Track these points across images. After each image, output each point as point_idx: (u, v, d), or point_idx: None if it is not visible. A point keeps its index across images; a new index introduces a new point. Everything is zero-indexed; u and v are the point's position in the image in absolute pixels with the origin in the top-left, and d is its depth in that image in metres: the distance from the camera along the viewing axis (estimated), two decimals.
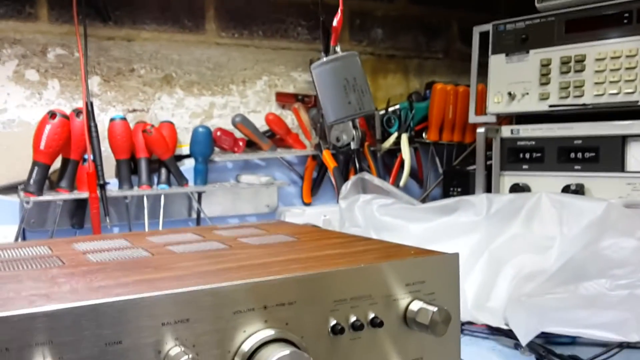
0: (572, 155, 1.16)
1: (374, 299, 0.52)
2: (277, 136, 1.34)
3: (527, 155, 1.22)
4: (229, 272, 0.51)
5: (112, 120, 1.13)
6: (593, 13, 1.13)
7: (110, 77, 1.20)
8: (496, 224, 0.96)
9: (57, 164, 1.08)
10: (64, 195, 1.08)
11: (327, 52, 1.15)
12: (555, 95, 1.17)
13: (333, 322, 0.50)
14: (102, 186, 1.09)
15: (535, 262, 0.90)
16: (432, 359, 0.55)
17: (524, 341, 0.73)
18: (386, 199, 1.11)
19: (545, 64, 1.18)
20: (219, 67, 1.32)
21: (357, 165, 1.35)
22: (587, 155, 1.14)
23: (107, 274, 0.51)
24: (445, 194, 1.40)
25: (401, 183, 1.36)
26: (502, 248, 0.93)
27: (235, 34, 1.34)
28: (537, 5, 1.20)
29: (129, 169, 1.14)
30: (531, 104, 1.21)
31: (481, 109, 1.33)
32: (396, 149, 1.42)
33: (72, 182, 1.09)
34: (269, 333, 0.46)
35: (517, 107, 1.23)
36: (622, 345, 0.73)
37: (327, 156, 1.33)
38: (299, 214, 1.31)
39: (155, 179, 1.19)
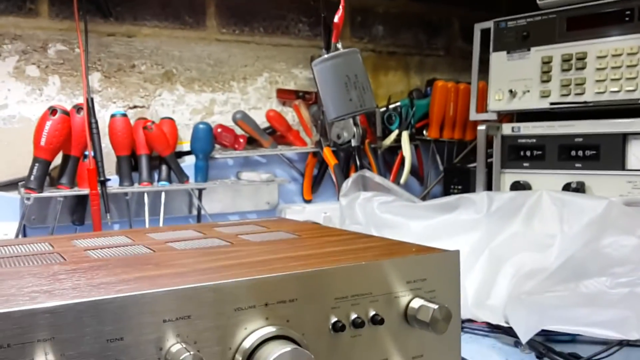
0: (573, 153, 1.16)
1: (375, 296, 0.52)
2: (277, 133, 1.34)
3: (528, 153, 1.22)
4: (230, 269, 0.51)
5: (112, 116, 1.13)
6: (594, 11, 1.12)
7: (110, 73, 1.20)
8: (497, 222, 0.96)
9: (57, 160, 1.08)
10: (65, 192, 1.08)
11: (328, 49, 1.15)
12: (556, 92, 1.17)
13: (334, 319, 0.50)
14: (103, 183, 1.09)
15: (535, 260, 0.90)
16: (433, 357, 0.55)
17: (524, 339, 0.73)
18: (387, 196, 1.11)
19: (547, 62, 1.18)
20: (219, 64, 1.32)
21: (358, 162, 1.35)
22: (587, 153, 1.14)
23: (109, 271, 0.51)
24: (446, 192, 1.40)
25: (402, 180, 1.36)
26: (503, 246, 0.93)
27: (236, 30, 1.34)
28: (538, 2, 1.20)
29: (129, 165, 1.14)
30: (532, 102, 1.20)
31: (482, 107, 1.33)
32: (397, 146, 1.42)
33: (72, 178, 1.09)
34: (270, 330, 0.46)
35: (518, 104, 1.23)
36: (622, 343, 0.73)
37: (327, 153, 1.33)
38: (299, 211, 1.31)
39: (156, 176, 1.19)
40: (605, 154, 1.11)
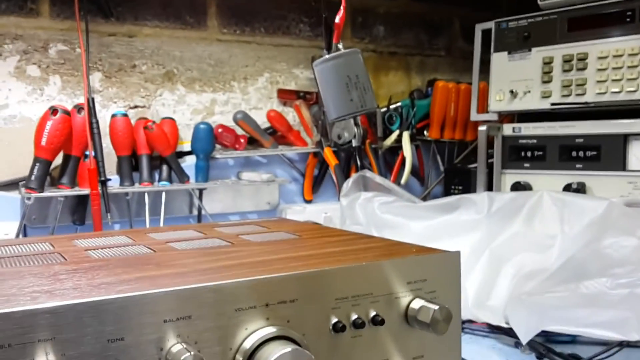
0: (574, 153, 1.16)
1: (375, 296, 0.52)
2: (278, 133, 1.34)
3: (529, 154, 1.22)
4: (230, 270, 0.51)
5: (113, 116, 1.13)
6: (595, 11, 1.12)
7: (111, 73, 1.20)
8: (497, 223, 0.96)
9: (58, 160, 1.09)
10: (65, 192, 1.08)
11: (329, 49, 1.15)
12: (557, 93, 1.17)
13: (334, 319, 0.50)
14: (104, 182, 1.09)
15: (536, 260, 0.90)
16: (433, 357, 0.55)
17: (524, 340, 0.73)
18: (387, 196, 1.11)
19: (548, 62, 1.18)
20: (220, 64, 1.32)
21: (359, 162, 1.35)
22: (588, 153, 1.14)
23: (109, 271, 0.51)
24: (447, 192, 1.40)
25: (402, 181, 1.36)
26: (503, 246, 0.93)
27: (237, 30, 1.34)
28: (539, 3, 1.20)
29: (130, 165, 1.14)
30: (533, 102, 1.20)
31: (483, 107, 1.33)
32: (397, 146, 1.42)
33: (73, 178, 1.09)
34: (270, 330, 0.46)
35: (519, 105, 1.23)
36: (622, 344, 0.73)
37: (328, 153, 1.33)
38: (300, 212, 1.31)
39: (157, 176, 1.19)
40: (606, 154, 1.11)
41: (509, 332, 0.79)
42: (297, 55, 1.41)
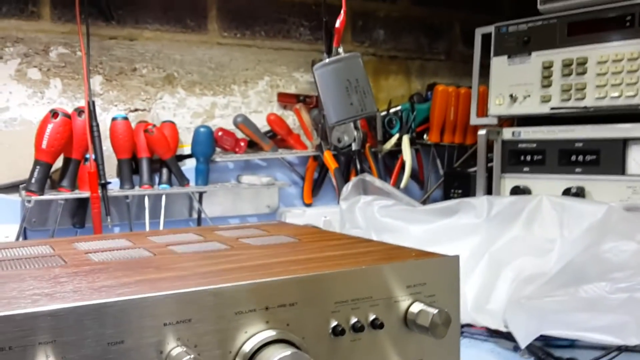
0: (573, 158, 1.16)
1: (375, 300, 0.52)
2: (278, 137, 1.34)
3: (528, 158, 1.22)
4: (230, 273, 0.51)
5: (113, 119, 1.13)
6: (595, 16, 1.13)
7: (112, 76, 1.21)
8: (496, 227, 0.96)
9: (58, 163, 1.09)
10: (66, 195, 1.08)
11: (329, 53, 1.15)
12: (557, 97, 1.17)
13: (334, 323, 0.50)
14: (104, 186, 1.09)
15: (535, 264, 0.90)
16: None
17: (523, 344, 0.73)
18: (387, 200, 1.11)
19: (547, 67, 1.18)
20: (220, 67, 1.32)
21: (358, 166, 1.35)
22: (588, 158, 1.14)
23: (109, 274, 0.51)
24: (446, 196, 1.40)
25: (402, 184, 1.37)
26: (503, 250, 0.93)
27: (237, 34, 1.34)
28: (539, 7, 1.20)
29: (130, 168, 1.15)
30: (533, 106, 1.21)
31: (482, 111, 1.33)
32: (397, 150, 1.42)
33: (73, 181, 1.09)
34: (270, 334, 0.47)
35: (518, 109, 1.23)
36: (621, 349, 0.73)
37: (328, 157, 1.33)
38: (299, 215, 1.31)
39: (157, 179, 1.19)
40: (605, 159, 1.12)
41: (508, 336, 0.79)
42: (298, 58, 1.41)
